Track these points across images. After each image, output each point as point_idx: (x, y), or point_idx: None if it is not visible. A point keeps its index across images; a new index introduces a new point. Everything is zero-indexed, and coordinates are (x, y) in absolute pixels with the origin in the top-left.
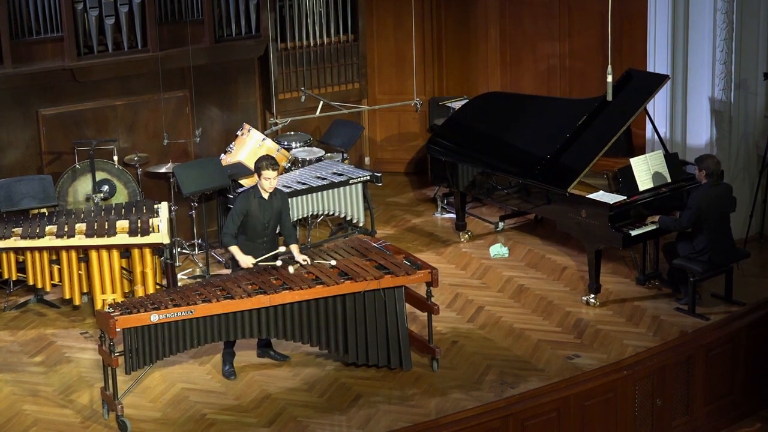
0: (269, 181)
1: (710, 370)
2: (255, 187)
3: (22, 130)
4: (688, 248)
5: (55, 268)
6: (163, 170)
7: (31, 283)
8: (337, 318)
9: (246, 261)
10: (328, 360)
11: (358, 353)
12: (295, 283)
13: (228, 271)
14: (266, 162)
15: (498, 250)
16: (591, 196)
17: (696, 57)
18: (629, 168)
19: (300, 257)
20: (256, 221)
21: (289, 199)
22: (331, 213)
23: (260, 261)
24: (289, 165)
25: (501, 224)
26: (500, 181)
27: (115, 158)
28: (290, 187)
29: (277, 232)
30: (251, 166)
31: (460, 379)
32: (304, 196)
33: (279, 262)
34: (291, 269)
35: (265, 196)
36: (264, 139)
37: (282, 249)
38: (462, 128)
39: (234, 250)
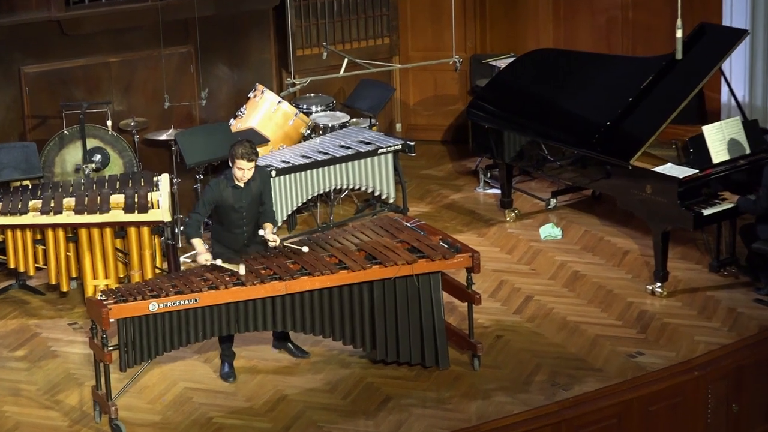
0: (242, 173)
1: None
2: (227, 174)
3: (2, 90)
4: None
5: (40, 249)
6: (163, 137)
7: (11, 266)
8: (363, 308)
9: (202, 257)
10: (353, 357)
11: (388, 349)
12: (315, 268)
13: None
14: (242, 150)
15: (549, 231)
16: (657, 169)
17: None
18: (701, 137)
19: (271, 236)
20: (231, 211)
21: (309, 172)
22: (356, 187)
23: (220, 265)
24: (308, 132)
25: (553, 201)
26: (552, 151)
27: (109, 123)
28: (310, 157)
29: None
30: (265, 132)
31: (504, 380)
32: (326, 168)
33: (242, 269)
34: (305, 248)
35: (240, 184)
36: (279, 101)
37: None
38: (508, 90)
39: (196, 242)
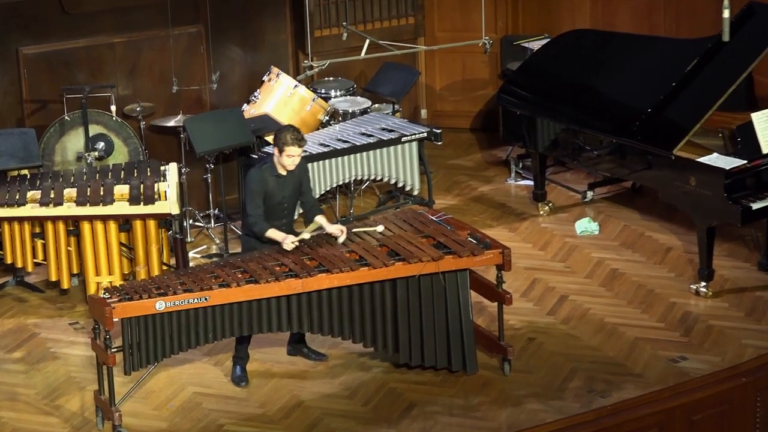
0: (292, 160)
1: None
2: (269, 163)
3: None
4: None
5: (39, 243)
6: (171, 123)
7: (8, 261)
8: (385, 308)
9: (288, 241)
10: (375, 360)
11: (412, 352)
12: (333, 264)
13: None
14: (291, 135)
15: (586, 225)
16: (702, 159)
17: None
18: (750, 125)
19: (333, 228)
20: (273, 202)
21: (328, 161)
22: (378, 178)
23: (305, 236)
24: (327, 118)
25: (590, 194)
26: (589, 140)
27: (113, 108)
28: (328, 145)
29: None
30: (280, 118)
31: (537, 386)
32: (346, 157)
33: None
34: (341, 238)
35: (283, 173)
36: (296, 86)
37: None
38: (542, 74)
39: (272, 233)
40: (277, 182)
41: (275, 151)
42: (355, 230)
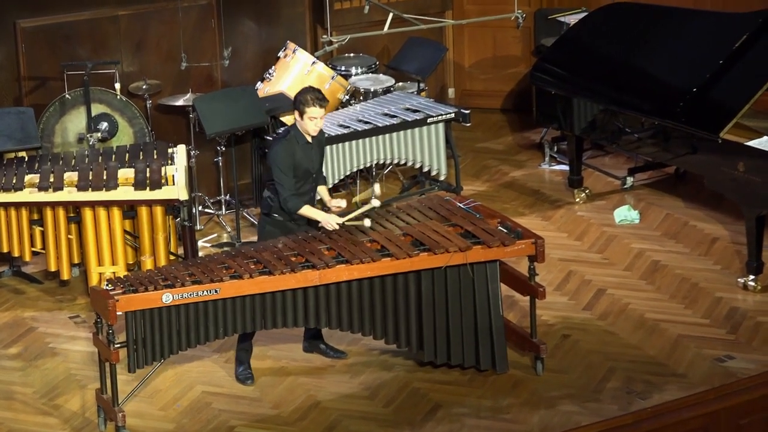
0: (314, 122)
1: None
2: (294, 132)
3: None
4: None
5: (37, 230)
6: (180, 102)
7: (4, 250)
8: (409, 302)
9: (330, 220)
10: (397, 358)
11: (437, 350)
12: (353, 254)
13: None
14: (311, 96)
15: (625, 214)
16: (751, 143)
17: None
18: None
19: (332, 201)
20: (303, 174)
21: (347, 144)
22: (402, 162)
23: (349, 220)
24: (347, 98)
25: (630, 180)
26: (629, 121)
27: (117, 86)
28: (349, 127)
29: None
30: None
31: (572, 386)
32: (367, 140)
33: (368, 222)
34: (368, 222)
35: (309, 139)
36: (314, 62)
37: (375, 203)
38: (579, 50)
39: (309, 211)
40: (304, 150)
41: (296, 116)
42: (346, 219)
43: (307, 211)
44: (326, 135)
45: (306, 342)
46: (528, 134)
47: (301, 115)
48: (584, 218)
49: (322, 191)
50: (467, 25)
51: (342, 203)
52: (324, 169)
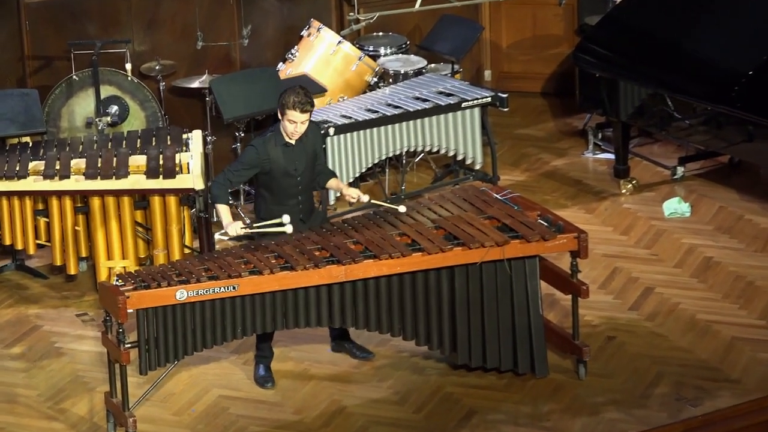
0: (294, 126)
1: None
2: (275, 132)
3: None
4: None
5: (42, 221)
6: (195, 85)
7: (7, 242)
8: (441, 300)
9: (232, 227)
10: (429, 360)
11: (472, 351)
12: (382, 249)
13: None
14: (294, 98)
15: (675, 206)
16: None
17: None
18: None
19: (350, 191)
20: (283, 176)
21: (376, 130)
22: (434, 150)
23: (256, 228)
24: (375, 80)
25: (680, 170)
26: (680, 106)
27: (128, 67)
28: (377, 111)
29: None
30: (321, 80)
31: (617, 392)
32: (397, 126)
33: (403, 208)
34: (402, 208)
35: (291, 141)
36: (340, 42)
37: (285, 218)
38: (626, 29)
39: (222, 209)
40: (284, 152)
41: (279, 114)
42: (374, 201)
43: (221, 209)
44: (353, 120)
45: (333, 342)
46: (570, 120)
47: (282, 115)
48: (631, 211)
49: (333, 184)
50: (505, 1)
51: (361, 196)
52: (349, 158)
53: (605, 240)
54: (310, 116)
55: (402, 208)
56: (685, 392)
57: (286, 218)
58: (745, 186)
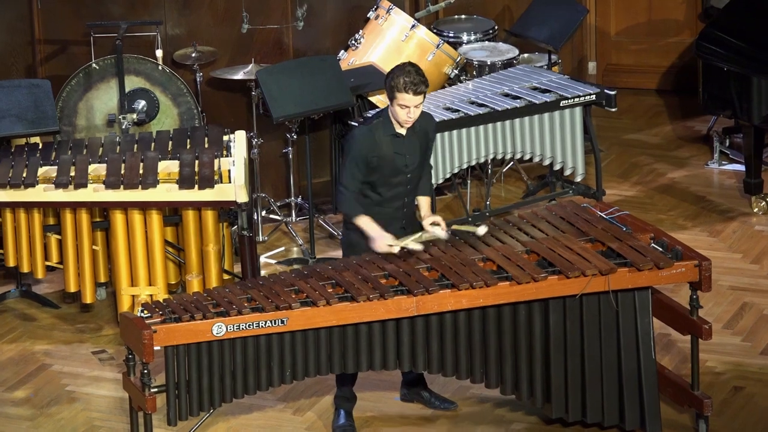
0: (406, 112)
1: None
2: (383, 119)
3: (3, 5)
4: None
5: (53, 239)
6: (239, 76)
7: (11, 264)
8: (533, 340)
9: (383, 241)
10: (517, 413)
11: (569, 403)
12: (461, 277)
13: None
14: (405, 78)
15: None
16: None
17: None
18: None
19: (431, 218)
20: (387, 171)
21: (456, 133)
22: (527, 158)
23: (412, 242)
24: (456, 72)
25: None
26: None
27: (159, 54)
28: (457, 110)
29: None
30: None
31: None
32: (482, 128)
33: (482, 229)
34: (482, 230)
35: (401, 131)
36: (414, 26)
37: (440, 234)
38: (760, 14)
39: (363, 222)
40: (393, 143)
41: (387, 99)
42: (455, 227)
43: (361, 221)
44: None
45: (404, 389)
46: (692, 123)
47: (391, 99)
48: (764, 234)
49: (422, 202)
50: None
51: (441, 233)
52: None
53: (732, 269)
54: (424, 98)
55: (482, 230)
56: None
57: (482, 230)
58: None
